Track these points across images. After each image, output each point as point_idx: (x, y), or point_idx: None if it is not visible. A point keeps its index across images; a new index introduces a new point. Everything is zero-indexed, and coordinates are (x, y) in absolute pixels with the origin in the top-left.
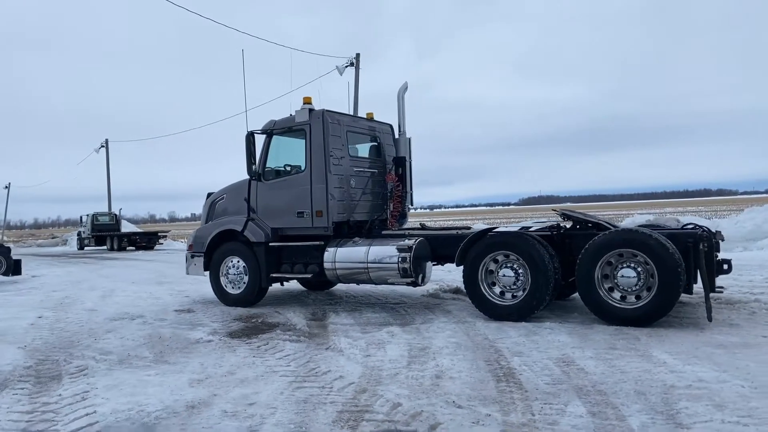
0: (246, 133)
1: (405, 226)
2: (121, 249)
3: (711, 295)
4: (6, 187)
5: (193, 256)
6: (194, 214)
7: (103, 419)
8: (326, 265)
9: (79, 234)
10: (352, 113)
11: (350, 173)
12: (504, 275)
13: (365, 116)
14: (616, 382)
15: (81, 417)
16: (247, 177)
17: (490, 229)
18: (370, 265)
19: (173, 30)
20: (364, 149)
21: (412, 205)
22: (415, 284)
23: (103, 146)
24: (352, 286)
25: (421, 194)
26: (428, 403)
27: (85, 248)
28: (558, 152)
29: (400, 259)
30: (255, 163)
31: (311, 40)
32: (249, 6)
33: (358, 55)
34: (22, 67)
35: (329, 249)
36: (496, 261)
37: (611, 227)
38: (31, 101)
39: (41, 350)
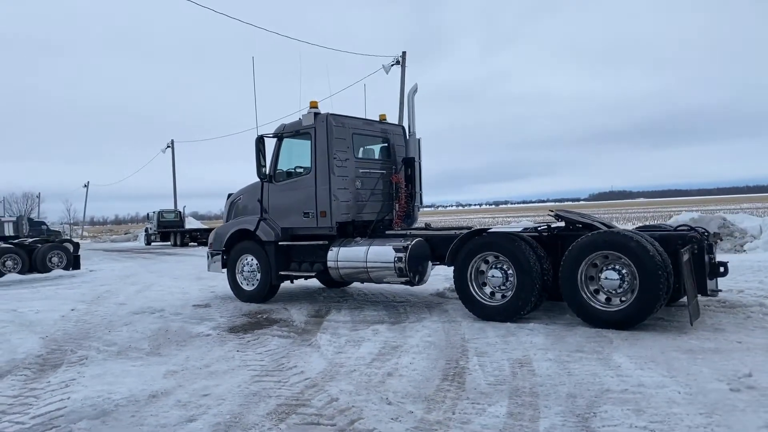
0: (256, 137)
1: (415, 226)
2: (184, 245)
3: (708, 298)
4: (85, 185)
5: (212, 255)
6: None
7: (71, 405)
8: (330, 264)
9: (146, 230)
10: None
11: (356, 175)
12: (493, 276)
13: (378, 118)
14: (555, 385)
15: (54, 402)
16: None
17: (479, 230)
18: (369, 264)
19: (236, 38)
20: (373, 151)
21: (421, 204)
22: (410, 283)
23: (169, 146)
24: (367, 284)
25: (487, 190)
26: (364, 399)
27: (152, 244)
28: (633, 146)
29: (396, 259)
30: (264, 166)
31: (378, 35)
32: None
33: (404, 53)
34: (99, 70)
35: (333, 248)
36: (486, 261)
37: (604, 228)
38: (105, 101)
39: (58, 340)
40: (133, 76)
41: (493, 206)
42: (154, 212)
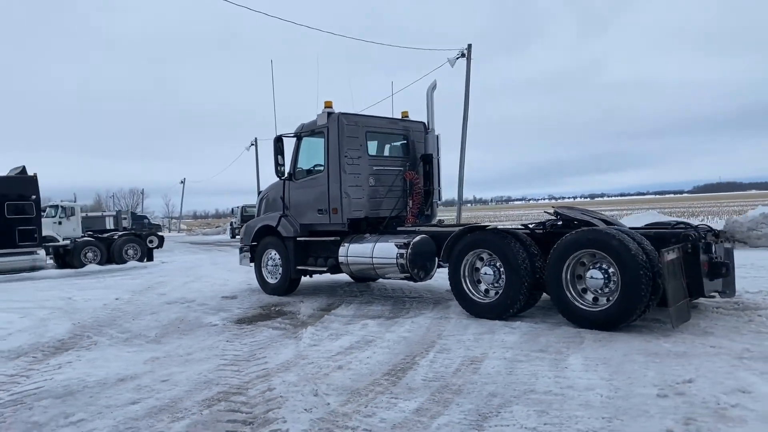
0: (275, 137)
1: (432, 222)
2: None
3: (720, 300)
4: (181, 182)
5: (242, 249)
6: None
7: (48, 385)
8: (341, 259)
9: (231, 224)
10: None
11: (369, 172)
12: (485, 273)
13: (400, 115)
14: (485, 384)
15: (38, 382)
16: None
17: (473, 227)
18: (375, 260)
19: (313, 40)
20: (390, 148)
21: (440, 200)
22: (412, 279)
23: (252, 144)
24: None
25: (583, 183)
26: (297, 390)
27: (236, 237)
28: (744, 135)
29: (398, 255)
30: (283, 165)
31: (466, 22)
32: None
33: (469, 46)
34: (184, 72)
35: (344, 244)
36: (481, 259)
37: (602, 226)
38: (193, 100)
39: (86, 326)
40: (221, 78)
41: (588, 199)
42: (238, 207)
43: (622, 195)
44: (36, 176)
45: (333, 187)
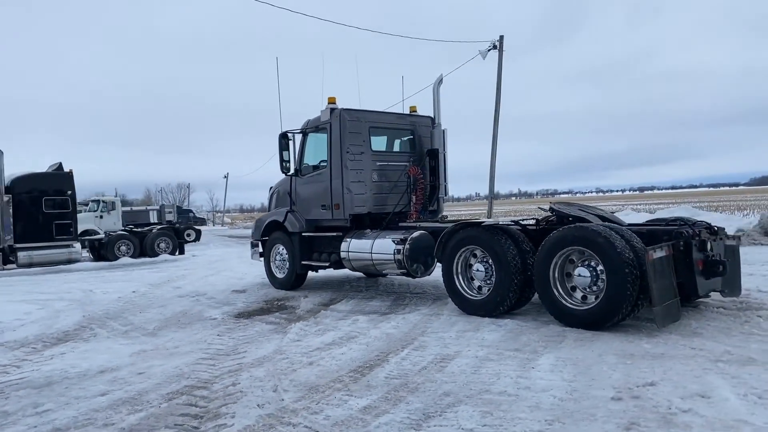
0: (279, 133)
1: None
2: None
3: (712, 299)
4: (225, 176)
5: (253, 244)
6: None
7: (32, 376)
8: (342, 254)
9: None
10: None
11: (372, 168)
12: (477, 270)
13: (408, 110)
14: (445, 382)
15: (25, 372)
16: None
17: (465, 223)
18: (374, 256)
19: (347, 36)
20: (395, 144)
21: (446, 196)
22: (409, 275)
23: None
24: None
25: (633, 175)
26: (259, 385)
27: None
28: None
29: (395, 251)
30: (288, 161)
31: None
32: None
33: (501, 37)
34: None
35: (346, 240)
36: (475, 255)
37: (598, 222)
38: (239, 97)
39: (93, 318)
40: (266, 76)
41: (637, 192)
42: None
43: (673, 188)
44: (72, 172)
45: (335, 182)
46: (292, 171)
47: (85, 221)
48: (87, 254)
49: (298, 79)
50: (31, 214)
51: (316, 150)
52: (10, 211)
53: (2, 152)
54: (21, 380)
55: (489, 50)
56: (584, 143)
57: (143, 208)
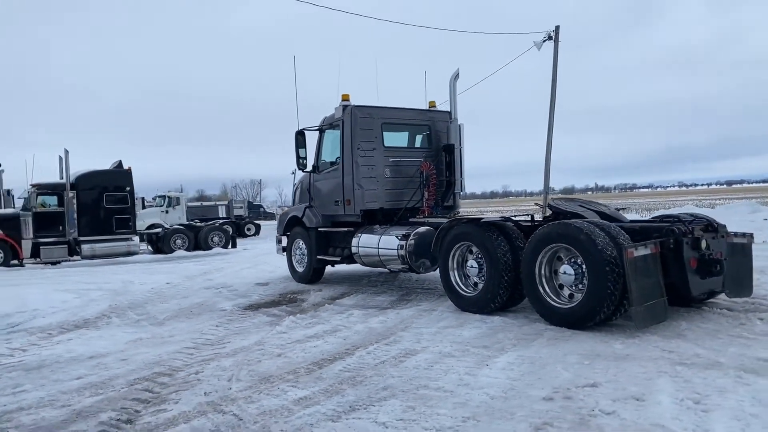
0: (296, 131)
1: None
2: None
3: (720, 299)
4: (292, 173)
5: (278, 239)
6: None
7: (31, 359)
8: (353, 249)
9: None
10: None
11: (385, 164)
12: (471, 266)
13: (428, 105)
14: (392, 377)
15: (28, 356)
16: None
17: (460, 219)
18: (380, 251)
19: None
20: (410, 139)
21: (462, 191)
22: (412, 271)
23: None
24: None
25: (719, 168)
26: (219, 375)
27: None
28: None
29: (398, 247)
30: (304, 158)
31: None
32: None
33: (557, 27)
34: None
35: (357, 235)
36: (471, 251)
37: (596, 219)
38: (310, 95)
39: (117, 308)
40: (329, 73)
41: (725, 186)
42: None
43: (764, 181)
44: (130, 169)
45: (347, 178)
46: (309, 168)
47: (151, 216)
48: (146, 247)
49: (359, 75)
50: (93, 209)
51: (332, 147)
52: (75, 206)
53: (67, 151)
54: (18, 363)
55: (544, 41)
56: (665, 134)
57: (213, 203)
